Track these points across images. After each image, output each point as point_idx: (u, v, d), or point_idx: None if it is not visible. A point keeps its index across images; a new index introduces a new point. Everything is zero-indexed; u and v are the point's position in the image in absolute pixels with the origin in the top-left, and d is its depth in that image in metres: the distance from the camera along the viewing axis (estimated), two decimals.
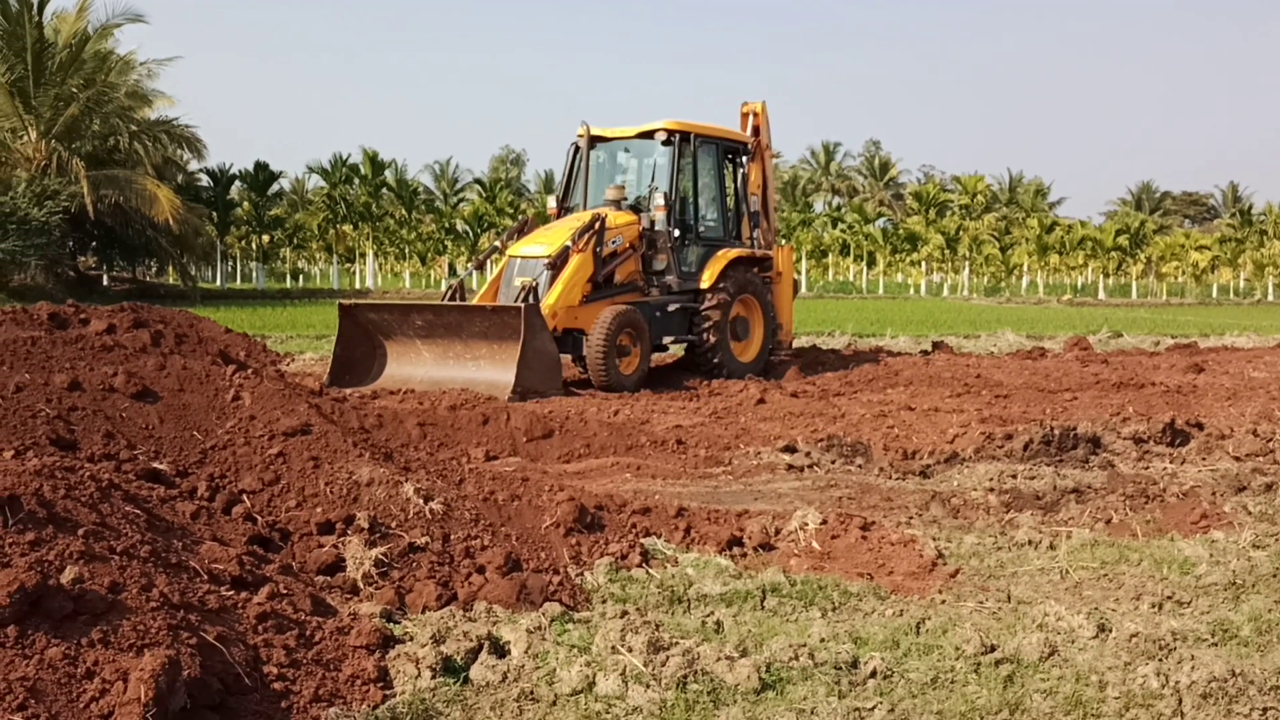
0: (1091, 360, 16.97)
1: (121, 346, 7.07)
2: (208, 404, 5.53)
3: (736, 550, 5.81)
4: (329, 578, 4.74)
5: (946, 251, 68.28)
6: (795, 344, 20.21)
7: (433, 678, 3.86)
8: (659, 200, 14.19)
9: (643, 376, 13.56)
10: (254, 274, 56.80)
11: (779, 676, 3.98)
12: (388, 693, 3.77)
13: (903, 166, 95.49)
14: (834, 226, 74.75)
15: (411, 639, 4.16)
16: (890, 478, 8.22)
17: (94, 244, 41.22)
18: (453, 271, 57.22)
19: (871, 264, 70.91)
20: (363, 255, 61.41)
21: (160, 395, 5.49)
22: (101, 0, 37.56)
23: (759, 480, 8.03)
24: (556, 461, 8.40)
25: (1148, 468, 8.33)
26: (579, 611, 4.73)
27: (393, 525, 5.02)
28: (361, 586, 4.71)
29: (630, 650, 3.97)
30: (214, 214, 48.70)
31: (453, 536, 5.08)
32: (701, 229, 15.00)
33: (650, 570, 5.28)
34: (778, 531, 6.00)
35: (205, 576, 3.97)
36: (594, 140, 15.23)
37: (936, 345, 19.58)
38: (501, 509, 5.42)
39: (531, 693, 3.86)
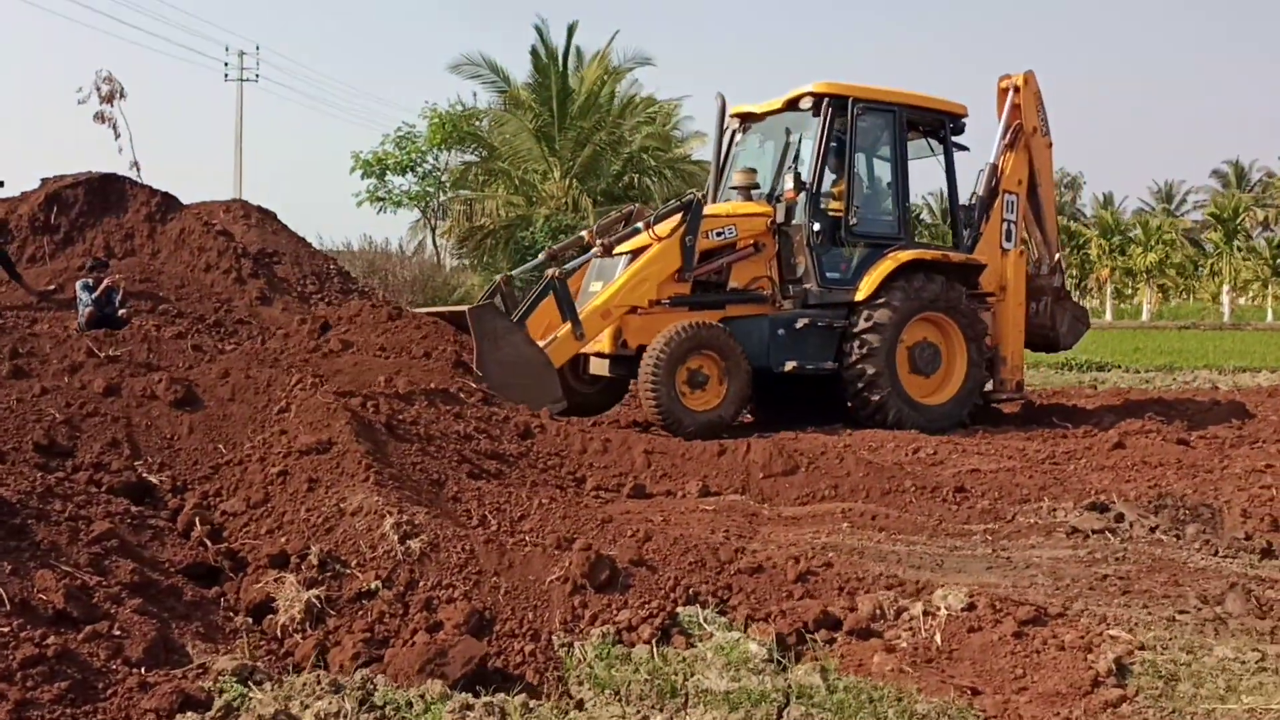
0: None
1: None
2: (250, 415, 5.13)
3: (824, 632, 4.37)
4: (251, 620, 4.11)
5: None
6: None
7: None
8: (788, 184, 10.99)
9: (731, 416, 10.39)
10: None
11: None
12: None
13: None
14: None
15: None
16: (1216, 553, 6.09)
17: None
18: None
19: None
20: None
21: (205, 404, 5.18)
22: (617, 46, 40.12)
23: (1019, 545, 6.27)
24: (792, 503, 7.13)
25: None
26: (537, 696, 3.70)
27: (352, 564, 4.26)
28: (287, 634, 4.02)
29: None
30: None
31: (422, 584, 4.21)
32: (855, 222, 11.21)
33: (659, 650, 4.08)
34: (898, 614, 4.47)
35: (5, 607, 3.48)
36: (745, 119, 12.13)
37: None
38: (506, 554, 4.45)
39: None
